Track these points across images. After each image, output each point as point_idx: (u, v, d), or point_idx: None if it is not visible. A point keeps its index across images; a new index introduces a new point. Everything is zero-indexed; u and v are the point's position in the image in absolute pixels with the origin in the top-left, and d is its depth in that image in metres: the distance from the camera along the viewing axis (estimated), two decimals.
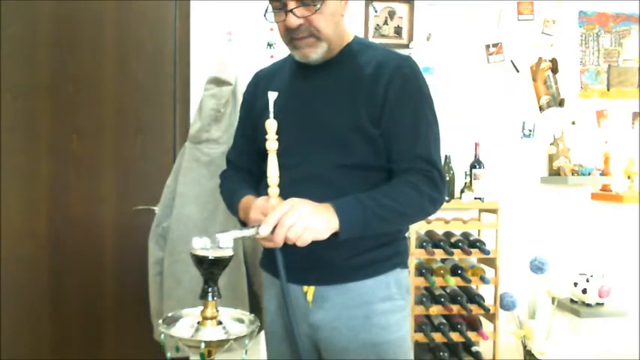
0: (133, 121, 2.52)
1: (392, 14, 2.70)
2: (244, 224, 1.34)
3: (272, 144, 1.18)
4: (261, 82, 1.44)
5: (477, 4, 2.76)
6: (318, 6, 1.19)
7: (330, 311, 1.27)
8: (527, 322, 2.61)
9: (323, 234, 1.12)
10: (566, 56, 2.84)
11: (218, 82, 2.15)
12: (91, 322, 2.50)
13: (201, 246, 1.13)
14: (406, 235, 1.39)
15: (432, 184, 1.24)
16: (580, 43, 2.87)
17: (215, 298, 1.11)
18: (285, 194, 1.18)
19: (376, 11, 2.70)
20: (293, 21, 1.20)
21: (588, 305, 2.66)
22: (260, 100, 1.35)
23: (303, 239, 1.10)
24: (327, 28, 1.23)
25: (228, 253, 1.12)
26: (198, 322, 1.11)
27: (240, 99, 2.18)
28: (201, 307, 1.12)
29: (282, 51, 2.60)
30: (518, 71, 2.81)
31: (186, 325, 1.13)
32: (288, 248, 1.14)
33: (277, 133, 1.17)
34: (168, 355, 1.15)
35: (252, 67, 2.54)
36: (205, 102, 2.15)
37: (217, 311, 1.12)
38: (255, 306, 2.09)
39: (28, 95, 2.44)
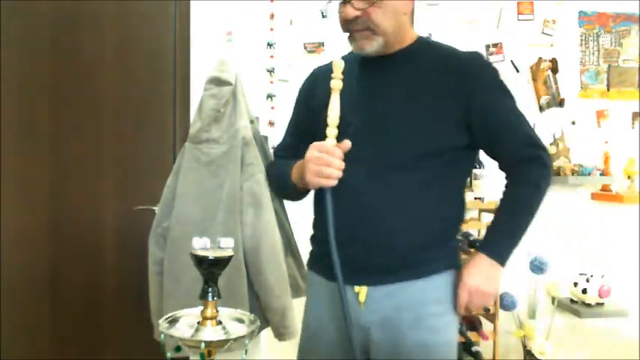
0: (133, 121, 2.52)
1: None
2: (296, 191, 1.37)
3: (336, 82, 1.21)
4: (318, 78, 1.41)
5: (476, 4, 2.76)
6: None
7: (380, 312, 1.28)
8: (527, 322, 2.61)
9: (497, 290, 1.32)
10: (566, 56, 2.84)
11: (218, 82, 2.15)
12: (91, 322, 2.50)
13: (201, 246, 1.13)
14: (459, 236, 1.41)
15: (544, 166, 1.32)
16: (580, 43, 2.87)
17: (215, 298, 1.11)
18: (362, 188, 1.24)
19: None
20: (350, 12, 1.22)
21: (588, 305, 2.66)
22: (317, 97, 1.35)
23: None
24: (385, 23, 1.23)
25: (228, 253, 1.12)
26: (198, 322, 1.11)
27: (240, 99, 2.18)
28: (201, 307, 1.12)
29: (282, 51, 2.61)
30: (518, 71, 2.81)
31: (186, 325, 1.13)
32: (342, 250, 1.20)
33: (345, 127, 1.23)
34: (169, 355, 1.15)
35: (252, 67, 2.57)
36: (205, 102, 2.15)
37: (217, 311, 1.12)
38: (255, 306, 2.09)
39: (28, 95, 2.44)
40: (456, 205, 1.36)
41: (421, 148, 1.25)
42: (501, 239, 1.31)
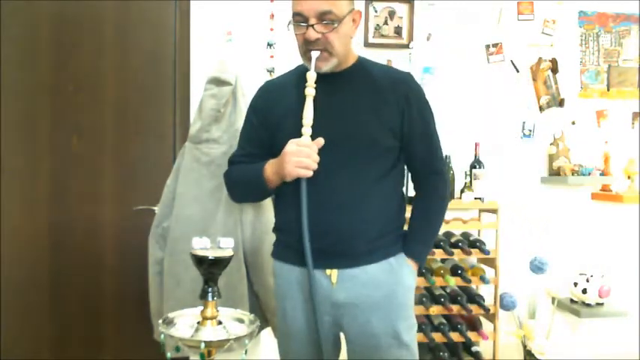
0: (133, 121, 2.52)
1: (392, 14, 2.70)
2: (264, 189, 1.51)
3: (310, 90, 1.41)
4: (272, 92, 1.59)
5: (476, 4, 2.76)
6: (336, 25, 1.40)
7: (351, 291, 1.47)
8: (527, 322, 2.61)
9: None
10: (566, 56, 2.84)
11: (218, 82, 2.15)
12: (91, 322, 2.50)
13: (201, 246, 1.13)
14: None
15: (447, 181, 1.64)
16: (580, 43, 2.87)
17: (215, 298, 1.11)
18: (328, 182, 1.43)
19: (376, 11, 2.70)
20: (312, 34, 1.40)
21: (588, 305, 2.66)
22: (276, 109, 1.53)
23: None
24: (339, 45, 1.43)
25: (228, 253, 1.13)
26: (198, 322, 1.11)
27: (240, 99, 2.19)
28: (201, 307, 1.12)
29: (282, 51, 2.61)
30: (518, 71, 2.81)
31: (186, 325, 1.13)
32: (314, 238, 1.39)
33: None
34: (169, 355, 1.15)
35: (252, 67, 2.57)
36: (205, 102, 2.15)
37: (217, 311, 1.12)
38: (255, 306, 2.09)
39: (28, 95, 2.44)
40: (400, 197, 1.58)
41: (370, 148, 1.47)
42: (422, 247, 1.57)
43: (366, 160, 1.47)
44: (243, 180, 1.57)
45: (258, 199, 1.66)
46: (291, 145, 1.39)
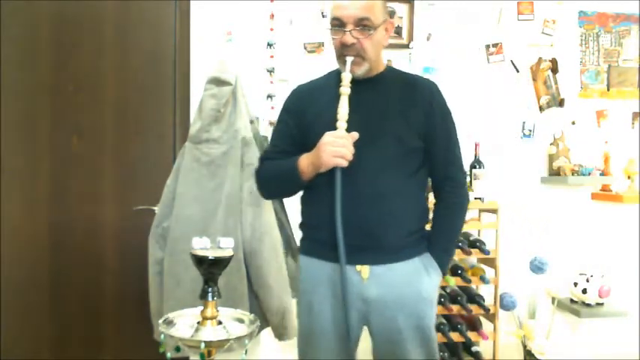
0: (133, 121, 2.52)
1: (392, 14, 2.70)
2: (298, 182, 1.55)
3: (345, 89, 1.48)
4: (305, 94, 1.67)
5: (476, 4, 2.76)
6: (371, 32, 1.49)
7: (381, 287, 1.52)
8: (527, 322, 2.61)
9: None
10: (566, 56, 2.84)
11: (218, 82, 2.15)
12: (91, 322, 2.50)
13: (201, 246, 1.13)
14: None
15: (463, 186, 1.69)
16: (580, 43, 2.87)
17: (215, 298, 1.11)
18: (362, 179, 1.49)
19: None
20: (349, 39, 1.48)
21: (588, 305, 2.66)
22: (310, 109, 1.60)
23: None
24: (372, 52, 1.52)
25: (228, 253, 1.13)
26: (198, 322, 1.11)
27: (240, 99, 2.19)
28: (201, 307, 1.12)
29: (282, 51, 2.61)
30: (518, 71, 2.81)
31: (186, 325, 1.13)
32: (346, 233, 1.44)
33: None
34: (169, 355, 1.15)
35: (252, 67, 2.57)
36: (205, 102, 2.15)
37: (217, 311, 1.12)
38: (255, 306, 2.09)
39: (28, 95, 2.44)
40: (424, 199, 1.67)
41: (398, 147, 1.54)
42: (442, 252, 1.62)
43: (395, 158, 1.54)
44: (277, 174, 1.61)
45: (289, 193, 1.67)
46: (328, 136, 1.45)
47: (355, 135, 1.46)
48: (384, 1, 1.56)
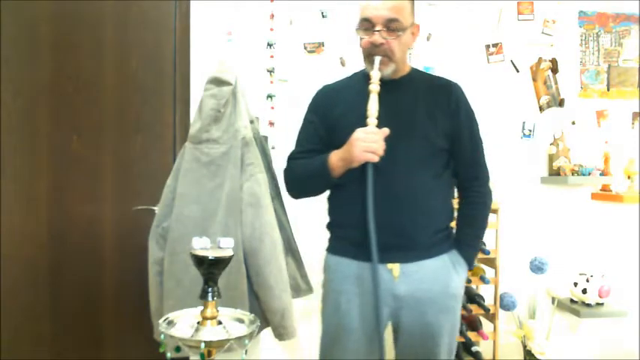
0: (133, 121, 2.52)
1: None
2: (328, 179, 1.57)
3: (374, 86, 1.51)
4: (331, 93, 1.70)
5: (476, 4, 2.76)
6: (400, 33, 1.53)
7: (411, 284, 1.56)
8: (527, 322, 2.61)
9: None
10: (566, 56, 2.84)
11: (218, 82, 2.15)
12: (90, 322, 2.50)
13: (201, 246, 1.13)
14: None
15: (487, 185, 1.72)
16: (580, 43, 2.87)
17: (215, 298, 1.11)
18: (392, 178, 1.52)
19: None
20: (378, 39, 1.52)
21: (588, 305, 2.66)
22: (336, 108, 1.64)
23: None
24: (399, 53, 1.56)
25: (228, 253, 1.13)
26: (198, 322, 1.11)
27: (240, 99, 2.19)
28: (201, 307, 1.12)
29: (282, 51, 2.61)
30: (518, 71, 2.81)
31: (186, 325, 1.13)
32: (377, 231, 1.46)
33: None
34: (169, 355, 1.15)
35: (252, 67, 2.57)
36: (205, 102, 2.15)
37: (217, 311, 1.12)
38: (255, 306, 2.09)
39: (28, 95, 2.44)
40: (451, 197, 1.70)
41: (426, 147, 1.57)
42: (470, 251, 1.67)
43: (423, 157, 1.57)
44: (306, 171, 1.63)
45: (318, 191, 1.69)
46: (359, 132, 1.47)
47: (386, 131, 1.47)
48: (412, 3, 1.59)
